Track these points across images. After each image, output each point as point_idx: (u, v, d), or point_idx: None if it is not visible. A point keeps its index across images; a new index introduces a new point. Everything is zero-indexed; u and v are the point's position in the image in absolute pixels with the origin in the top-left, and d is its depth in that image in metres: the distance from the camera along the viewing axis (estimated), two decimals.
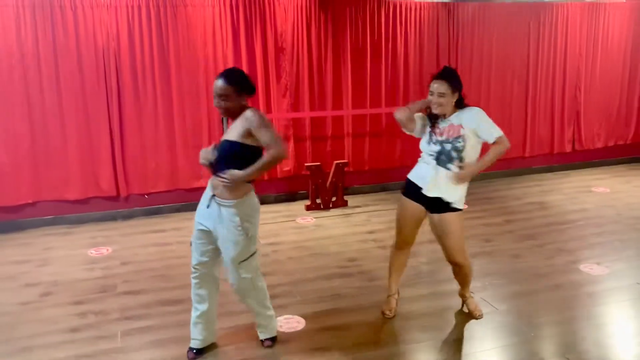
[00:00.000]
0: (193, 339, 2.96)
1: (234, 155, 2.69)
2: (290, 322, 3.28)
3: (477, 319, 3.27)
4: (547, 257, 4.21)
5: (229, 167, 2.68)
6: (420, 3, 5.77)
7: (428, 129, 3.10)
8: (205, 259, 2.87)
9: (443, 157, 3.00)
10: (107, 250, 4.48)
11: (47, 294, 3.71)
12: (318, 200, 5.44)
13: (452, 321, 3.29)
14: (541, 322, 3.24)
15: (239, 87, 2.71)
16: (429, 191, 3.04)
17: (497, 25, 6.15)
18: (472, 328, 3.21)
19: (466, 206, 3.56)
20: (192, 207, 5.24)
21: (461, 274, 3.23)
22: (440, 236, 3.09)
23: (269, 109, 5.46)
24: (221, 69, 5.15)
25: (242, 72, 2.80)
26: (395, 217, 3.26)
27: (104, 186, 5.12)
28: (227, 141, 2.72)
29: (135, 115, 5.09)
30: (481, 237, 4.66)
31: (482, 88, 6.22)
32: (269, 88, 5.43)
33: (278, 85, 5.45)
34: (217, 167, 2.74)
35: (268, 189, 5.69)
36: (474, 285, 3.51)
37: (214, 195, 2.78)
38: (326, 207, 5.45)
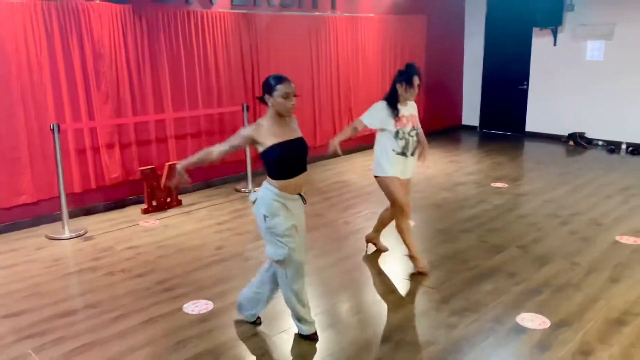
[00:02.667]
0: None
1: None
2: (199, 305, 3.59)
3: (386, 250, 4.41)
4: (368, 219, 5.28)
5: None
6: (223, 13, 6.31)
7: (393, 123, 3.85)
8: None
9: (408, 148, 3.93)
10: None
11: None
12: (154, 203, 5.58)
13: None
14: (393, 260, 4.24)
15: None
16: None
17: (287, 33, 7.05)
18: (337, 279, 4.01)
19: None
20: (15, 227, 5.07)
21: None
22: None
23: (91, 116, 5.36)
24: (36, 76, 4.98)
25: None
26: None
27: None
28: (303, 139, 3.06)
29: None
30: (311, 214, 5.48)
31: None
32: (90, 95, 5.33)
33: (99, 92, 5.38)
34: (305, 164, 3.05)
35: (97, 199, 5.57)
36: (329, 251, 4.32)
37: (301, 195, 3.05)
38: (163, 209, 5.62)
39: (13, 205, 5.01)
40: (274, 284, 3.20)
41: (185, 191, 6.17)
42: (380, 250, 4.49)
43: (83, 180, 5.41)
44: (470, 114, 10.36)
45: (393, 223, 4.22)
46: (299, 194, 3.04)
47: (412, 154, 3.99)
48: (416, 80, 3.86)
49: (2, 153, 4.88)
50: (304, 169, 3.04)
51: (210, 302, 3.62)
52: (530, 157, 8.33)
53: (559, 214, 5.33)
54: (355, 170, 7.38)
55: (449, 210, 5.58)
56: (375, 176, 4.08)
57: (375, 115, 3.92)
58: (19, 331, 3.29)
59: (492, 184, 6.50)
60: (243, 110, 6.24)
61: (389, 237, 4.75)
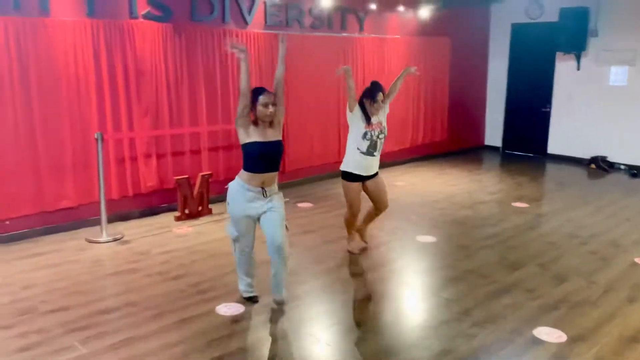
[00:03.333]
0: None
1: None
2: (231, 307, 3.81)
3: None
4: (392, 233, 5.48)
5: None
6: (257, 33, 6.62)
7: (363, 126, 4.52)
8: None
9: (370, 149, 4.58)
10: None
11: None
12: (187, 211, 5.85)
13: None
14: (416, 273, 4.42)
15: None
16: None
17: (316, 52, 7.33)
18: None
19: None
20: (60, 229, 5.32)
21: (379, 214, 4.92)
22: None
23: (131, 128, 5.67)
24: (83, 89, 5.31)
25: None
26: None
27: None
28: (281, 141, 3.57)
29: None
30: (336, 226, 5.69)
31: (304, 104, 7.32)
32: (131, 107, 5.65)
33: (139, 105, 5.70)
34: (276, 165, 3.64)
35: (132, 205, 5.86)
36: (353, 262, 4.53)
37: (263, 188, 3.60)
38: (195, 217, 5.88)
39: (56, 209, 5.32)
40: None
41: (215, 200, 6.42)
42: (359, 245, 4.98)
43: (121, 188, 5.70)
44: (493, 135, 10.49)
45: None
46: (262, 188, 3.58)
47: (378, 153, 4.67)
48: (380, 97, 4.51)
49: (50, 160, 5.19)
50: (275, 169, 3.63)
51: (241, 305, 3.84)
52: (551, 178, 8.44)
53: (579, 234, 5.45)
54: None
55: (470, 227, 5.73)
56: (341, 170, 4.72)
57: (357, 110, 4.54)
58: (65, 325, 3.54)
59: (513, 204, 6.63)
60: None
61: (409, 253, 4.93)
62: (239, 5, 6.45)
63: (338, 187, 7.69)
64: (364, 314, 3.83)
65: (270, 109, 3.52)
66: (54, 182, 5.26)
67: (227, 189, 3.69)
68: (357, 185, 4.68)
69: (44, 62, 5.03)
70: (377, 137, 4.58)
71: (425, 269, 4.67)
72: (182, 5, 5.96)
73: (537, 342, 3.39)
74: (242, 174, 3.61)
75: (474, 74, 10.13)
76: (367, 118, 4.53)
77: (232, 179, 6.80)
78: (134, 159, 5.76)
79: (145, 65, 5.69)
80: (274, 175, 3.65)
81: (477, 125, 10.51)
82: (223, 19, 6.34)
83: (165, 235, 5.37)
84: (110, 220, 5.53)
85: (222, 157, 6.49)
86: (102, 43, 5.36)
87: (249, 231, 3.73)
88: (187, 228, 5.59)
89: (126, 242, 5.16)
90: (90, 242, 5.12)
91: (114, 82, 5.50)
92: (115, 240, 5.17)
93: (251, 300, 3.90)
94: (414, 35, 8.75)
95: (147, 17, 5.68)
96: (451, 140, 9.87)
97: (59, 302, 3.86)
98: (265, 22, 6.77)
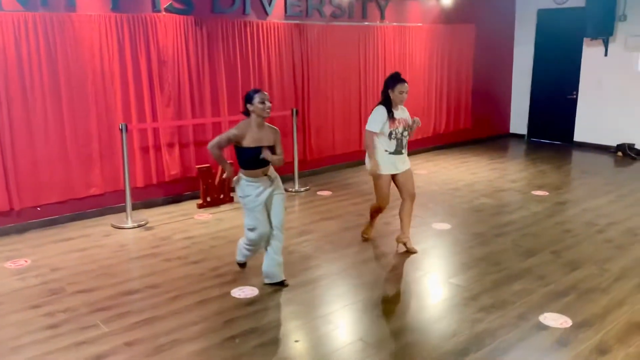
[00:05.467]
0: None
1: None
2: (245, 290, 3.98)
3: (415, 253, 4.71)
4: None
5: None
6: (277, 23, 6.73)
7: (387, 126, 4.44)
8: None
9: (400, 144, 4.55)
10: (26, 261, 4.53)
11: None
12: (208, 199, 6.04)
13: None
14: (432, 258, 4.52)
15: None
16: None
17: (336, 42, 7.40)
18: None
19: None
20: (87, 215, 5.56)
21: (411, 208, 4.75)
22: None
23: (154, 118, 5.88)
24: (109, 81, 5.52)
25: None
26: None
27: None
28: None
29: (26, 129, 5.10)
30: (354, 214, 5.82)
31: (327, 94, 7.42)
32: (154, 98, 5.85)
33: (162, 96, 5.89)
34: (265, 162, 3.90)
35: (156, 193, 6.09)
36: (367, 248, 4.63)
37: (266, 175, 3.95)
38: (216, 204, 6.08)
39: (85, 196, 5.57)
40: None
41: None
42: (410, 252, 4.73)
43: (145, 176, 5.93)
44: (518, 123, 10.40)
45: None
46: (266, 174, 3.93)
47: (405, 151, 4.63)
48: (404, 87, 4.48)
49: (78, 149, 5.44)
50: (267, 164, 3.91)
51: (255, 289, 4.00)
52: (575, 166, 8.34)
53: (597, 223, 5.43)
54: None
55: (487, 215, 5.76)
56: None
57: (379, 120, 4.47)
58: (90, 305, 3.76)
59: (533, 192, 6.61)
60: (292, 114, 6.64)
61: (423, 240, 5.01)
62: None
63: (358, 175, 7.86)
64: (375, 297, 3.93)
65: (267, 104, 3.83)
66: (82, 170, 5.50)
67: (238, 179, 3.95)
68: (388, 176, 4.61)
69: (71, 55, 5.26)
70: (402, 134, 4.53)
71: (438, 255, 4.75)
72: None
73: (542, 327, 3.45)
74: (243, 171, 3.91)
75: (499, 61, 10.03)
76: (391, 113, 4.44)
77: None
78: (157, 148, 5.97)
79: (167, 57, 5.86)
80: (269, 166, 3.98)
81: (502, 113, 10.43)
82: (244, 11, 6.46)
83: (187, 222, 5.58)
84: (135, 208, 5.76)
85: None
86: (126, 36, 5.56)
87: (265, 217, 3.97)
88: (208, 215, 5.78)
89: (150, 228, 5.38)
90: (115, 227, 5.36)
91: (138, 74, 5.70)
92: (139, 226, 5.39)
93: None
94: (437, 22, 8.71)
95: (169, 10, 5.85)
96: (475, 128, 9.83)
97: (85, 284, 4.09)
98: (286, 12, 6.86)
